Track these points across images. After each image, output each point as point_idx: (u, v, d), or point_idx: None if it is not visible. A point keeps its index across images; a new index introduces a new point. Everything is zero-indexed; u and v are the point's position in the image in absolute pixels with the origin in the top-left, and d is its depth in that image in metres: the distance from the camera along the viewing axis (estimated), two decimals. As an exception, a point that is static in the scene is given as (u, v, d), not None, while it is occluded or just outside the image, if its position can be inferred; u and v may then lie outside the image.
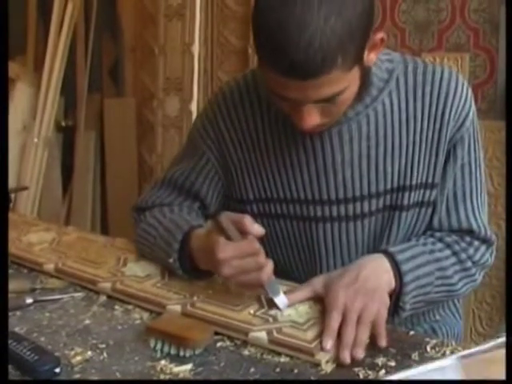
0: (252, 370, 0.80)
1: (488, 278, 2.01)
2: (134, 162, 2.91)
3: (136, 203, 1.23)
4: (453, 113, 1.02)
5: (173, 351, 0.83)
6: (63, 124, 2.89)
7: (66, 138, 2.94)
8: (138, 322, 0.94)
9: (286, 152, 1.06)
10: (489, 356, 0.73)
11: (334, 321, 0.85)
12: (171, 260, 1.02)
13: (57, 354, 0.81)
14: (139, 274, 1.07)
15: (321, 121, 0.93)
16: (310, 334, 0.85)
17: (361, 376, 0.78)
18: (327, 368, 0.80)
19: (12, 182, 2.56)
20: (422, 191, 1.05)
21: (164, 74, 2.58)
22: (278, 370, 0.80)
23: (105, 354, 0.83)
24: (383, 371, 0.79)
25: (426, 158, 1.04)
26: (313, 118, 0.91)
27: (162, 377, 0.78)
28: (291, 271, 1.13)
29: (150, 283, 1.03)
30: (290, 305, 0.92)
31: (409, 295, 0.95)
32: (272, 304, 0.92)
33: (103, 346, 0.86)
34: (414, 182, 1.04)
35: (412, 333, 0.90)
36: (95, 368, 0.80)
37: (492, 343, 0.74)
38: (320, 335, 0.84)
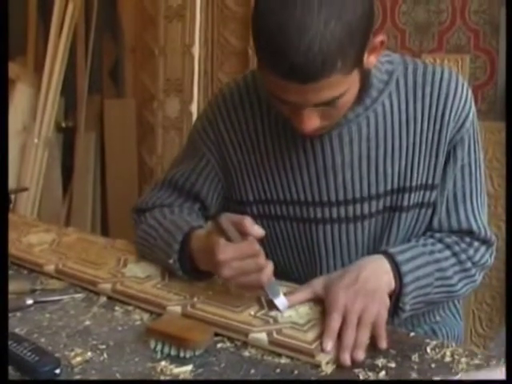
0: (252, 371, 0.80)
1: (488, 279, 2.01)
2: (134, 163, 2.91)
3: (136, 204, 1.23)
4: (453, 114, 1.02)
5: (173, 352, 0.83)
6: (63, 125, 2.89)
7: (66, 139, 2.94)
8: (138, 323, 0.94)
9: (286, 154, 1.06)
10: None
11: (335, 322, 0.85)
12: (171, 261, 1.02)
13: (57, 354, 0.81)
14: (139, 275, 1.07)
15: (321, 124, 0.93)
16: (311, 336, 0.85)
17: (361, 377, 0.78)
18: (327, 369, 0.80)
19: (12, 183, 2.56)
20: (421, 192, 1.05)
21: (164, 75, 2.59)
22: (278, 371, 0.80)
23: (105, 355, 0.83)
24: (383, 372, 0.79)
25: (426, 160, 1.04)
26: (313, 122, 0.91)
27: (162, 378, 0.78)
28: (291, 272, 1.13)
29: (151, 284, 1.03)
30: (290, 306, 0.92)
31: (409, 296, 0.95)
32: (272, 305, 0.92)
33: (103, 346, 0.86)
34: (413, 184, 1.04)
35: (412, 334, 0.90)
36: (95, 369, 0.80)
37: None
38: (320, 336, 0.84)
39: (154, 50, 2.66)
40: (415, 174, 1.04)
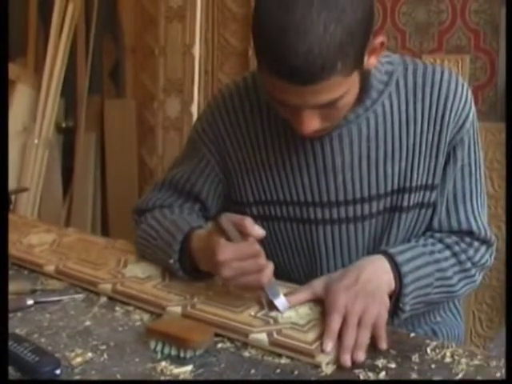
0: (252, 371, 0.80)
1: (488, 280, 2.01)
2: (135, 163, 2.91)
3: (136, 205, 1.23)
4: (453, 114, 1.02)
5: (173, 353, 0.83)
6: (63, 125, 2.90)
7: (66, 140, 2.94)
8: (138, 323, 0.94)
9: (286, 154, 1.06)
10: None
11: (335, 322, 0.85)
12: (171, 261, 1.02)
13: (57, 355, 0.81)
14: (140, 276, 1.07)
15: (321, 125, 0.93)
16: (311, 336, 0.85)
17: (361, 378, 0.78)
18: (327, 370, 0.80)
19: (12, 184, 2.57)
20: (422, 193, 1.05)
21: (164, 76, 2.59)
22: (278, 371, 0.80)
23: (105, 356, 0.83)
24: (383, 373, 0.79)
25: (426, 160, 1.04)
26: (313, 123, 0.91)
27: (162, 378, 0.78)
28: (291, 273, 1.13)
29: (151, 285, 1.03)
30: (291, 307, 0.92)
31: (409, 296, 0.95)
32: (272, 306, 0.92)
33: (104, 347, 0.86)
34: (414, 184, 1.04)
35: (412, 334, 0.90)
36: (96, 369, 0.80)
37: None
38: (320, 337, 0.84)
39: (155, 50, 2.66)
40: (415, 175, 1.04)
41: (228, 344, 0.87)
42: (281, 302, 0.91)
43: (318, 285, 0.95)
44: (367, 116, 1.02)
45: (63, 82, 2.67)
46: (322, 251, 1.08)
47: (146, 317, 0.96)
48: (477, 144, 1.06)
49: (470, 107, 1.04)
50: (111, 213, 2.95)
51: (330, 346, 0.82)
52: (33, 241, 1.28)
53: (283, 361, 0.82)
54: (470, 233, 1.05)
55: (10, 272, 1.14)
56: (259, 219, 1.10)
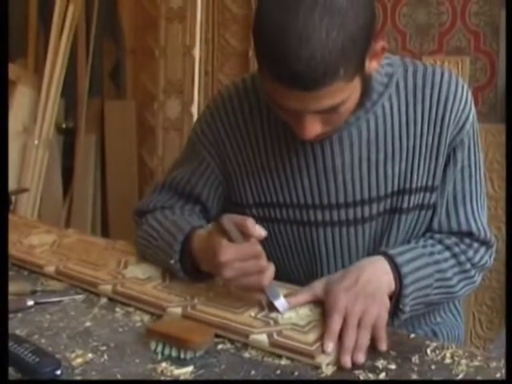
0: (253, 372, 0.80)
1: (488, 281, 2.01)
2: (135, 164, 2.91)
3: (137, 207, 1.23)
4: (453, 116, 1.02)
5: (173, 353, 0.83)
6: (64, 126, 2.90)
7: (66, 140, 2.94)
8: (138, 324, 0.94)
9: (286, 157, 1.06)
10: None
11: (335, 323, 0.85)
12: (172, 261, 1.02)
13: (58, 356, 0.81)
14: (140, 277, 1.07)
15: (322, 130, 0.93)
16: (311, 337, 0.85)
17: (361, 379, 0.78)
18: (328, 371, 0.80)
19: (12, 184, 2.57)
20: (422, 194, 1.05)
21: (165, 77, 2.59)
22: (278, 372, 0.80)
23: (105, 357, 0.83)
24: (383, 374, 0.79)
25: (426, 162, 1.04)
26: (314, 128, 0.91)
27: (162, 379, 0.78)
28: (292, 275, 1.13)
29: (151, 285, 1.03)
30: (291, 308, 0.92)
31: (408, 297, 0.95)
32: (273, 307, 0.92)
33: (104, 348, 0.86)
34: (414, 186, 1.04)
35: (412, 335, 0.90)
36: (96, 370, 0.80)
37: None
38: (321, 338, 0.84)
39: (155, 51, 2.66)
40: (415, 176, 1.04)
41: (228, 345, 0.87)
42: (281, 303, 0.91)
43: (318, 286, 0.95)
44: (367, 118, 1.02)
45: (63, 82, 2.67)
46: (323, 253, 1.08)
47: (146, 318, 0.96)
48: (477, 145, 1.06)
49: (470, 108, 1.04)
50: (111, 214, 2.95)
51: (330, 346, 0.82)
52: (33, 241, 1.28)
53: (283, 362, 0.82)
54: (470, 234, 1.05)
55: (10, 273, 1.14)
56: (259, 221, 1.09)
